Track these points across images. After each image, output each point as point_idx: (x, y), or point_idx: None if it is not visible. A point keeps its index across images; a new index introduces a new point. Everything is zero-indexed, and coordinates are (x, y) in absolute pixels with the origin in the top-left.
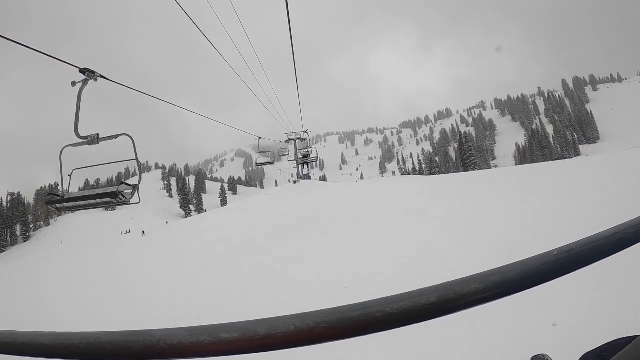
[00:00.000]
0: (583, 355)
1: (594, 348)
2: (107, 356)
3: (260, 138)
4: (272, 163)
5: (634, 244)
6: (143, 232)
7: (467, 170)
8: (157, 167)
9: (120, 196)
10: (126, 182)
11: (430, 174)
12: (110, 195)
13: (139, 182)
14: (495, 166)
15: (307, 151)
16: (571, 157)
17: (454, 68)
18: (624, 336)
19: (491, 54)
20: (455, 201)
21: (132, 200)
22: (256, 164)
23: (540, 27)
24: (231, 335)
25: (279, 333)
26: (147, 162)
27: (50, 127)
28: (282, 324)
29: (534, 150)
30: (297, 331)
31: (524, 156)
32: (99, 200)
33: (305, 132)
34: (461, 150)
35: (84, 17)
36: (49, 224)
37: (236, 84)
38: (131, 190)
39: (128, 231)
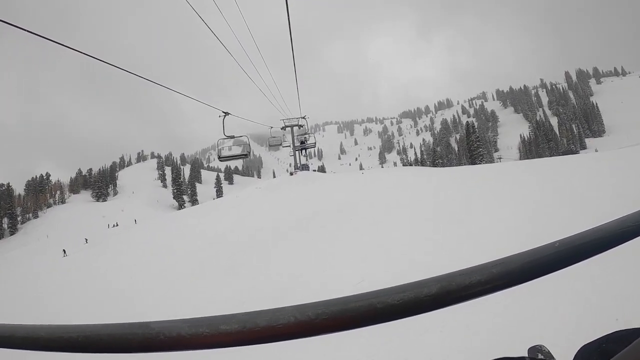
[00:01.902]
0: (582, 347)
1: (593, 340)
2: (106, 348)
3: (226, 114)
4: (246, 156)
5: (637, 237)
6: (64, 250)
7: (474, 163)
8: (152, 156)
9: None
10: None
11: (433, 165)
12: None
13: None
14: (499, 158)
15: (305, 137)
16: (578, 151)
17: (453, 58)
18: (623, 328)
19: (490, 43)
20: (469, 196)
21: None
22: (219, 158)
23: (541, 17)
24: (231, 327)
25: (279, 325)
26: (142, 151)
27: (44, 118)
28: (282, 316)
29: (540, 143)
30: (297, 322)
31: (529, 149)
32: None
33: (303, 117)
34: (468, 141)
35: (83, 5)
36: (37, 216)
37: (229, 69)
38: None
39: (115, 224)
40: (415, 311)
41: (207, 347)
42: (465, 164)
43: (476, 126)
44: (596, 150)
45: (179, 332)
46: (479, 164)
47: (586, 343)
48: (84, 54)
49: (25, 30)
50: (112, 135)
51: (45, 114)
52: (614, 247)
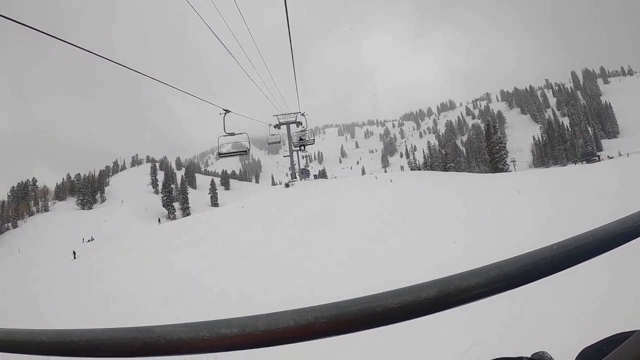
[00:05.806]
0: (582, 350)
1: (593, 343)
2: (108, 353)
3: (226, 112)
4: (246, 152)
5: (634, 239)
6: None
7: (497, 168)
8: (148, 160)
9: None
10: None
11: (444, 169)
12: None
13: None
14: (513, 161)
15: (304, 133)
16: (596, 153)
17: (453, 58)
18: (623, 331)
19: (491, 42)
20: None
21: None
22: (219, 155)
23: (542, 16)
24: (231, 331)
25: (278, 328)
26: (136, 155)
27: (35, 121)
28: (282, 320)
29: (555, 145)
30: (296, 326)
31: (544, 151)
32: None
33: (302, 114)
34: (488, 143)
35: (74, 9)
36: (17, 226)
37: (223, 67)
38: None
39: (91, 239)
40: (413, 314)
41: (207, 351)
42: (477, 168)
43: (482, 128)
44: (620, 154)
45: (180, 336)
46: (501, 169)
47: (587, 346)
48: (82, 48)
49: (13, 20)
50: (108, 139)
51: (37, 117)
52: (613, 249)
